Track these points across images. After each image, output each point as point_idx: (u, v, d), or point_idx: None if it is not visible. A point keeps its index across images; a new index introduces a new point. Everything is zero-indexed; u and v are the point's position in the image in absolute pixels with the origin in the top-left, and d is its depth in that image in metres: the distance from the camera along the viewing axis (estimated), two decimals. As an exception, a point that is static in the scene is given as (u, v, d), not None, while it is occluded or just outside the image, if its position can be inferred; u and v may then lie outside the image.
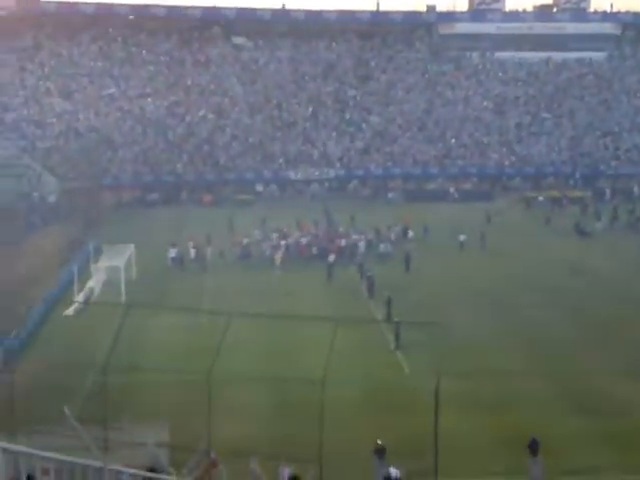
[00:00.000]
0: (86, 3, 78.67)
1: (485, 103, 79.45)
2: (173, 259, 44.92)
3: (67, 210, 52.35)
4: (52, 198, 58.84)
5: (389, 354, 31.01)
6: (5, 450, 7.84)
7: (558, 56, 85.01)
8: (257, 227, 51.28)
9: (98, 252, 41.92)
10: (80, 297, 37.71)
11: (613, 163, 73.05)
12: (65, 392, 25.81)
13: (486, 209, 58.13)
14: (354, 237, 48.78)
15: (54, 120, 69.28)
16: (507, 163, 72.91)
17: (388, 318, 34.12)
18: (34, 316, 33.95)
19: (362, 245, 47.84)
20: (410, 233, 51.04)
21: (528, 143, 75.14)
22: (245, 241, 47.41)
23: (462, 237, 49.37)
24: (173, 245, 45.56)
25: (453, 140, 74.46)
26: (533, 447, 21.07)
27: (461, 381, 27.07)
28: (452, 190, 67.38)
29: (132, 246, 41.81)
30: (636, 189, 67.89)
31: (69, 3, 78.31)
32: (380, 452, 20.78)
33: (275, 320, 30.81)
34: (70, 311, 36.09)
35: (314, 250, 46.66)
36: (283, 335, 31.85)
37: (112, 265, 39.29)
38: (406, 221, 51.78)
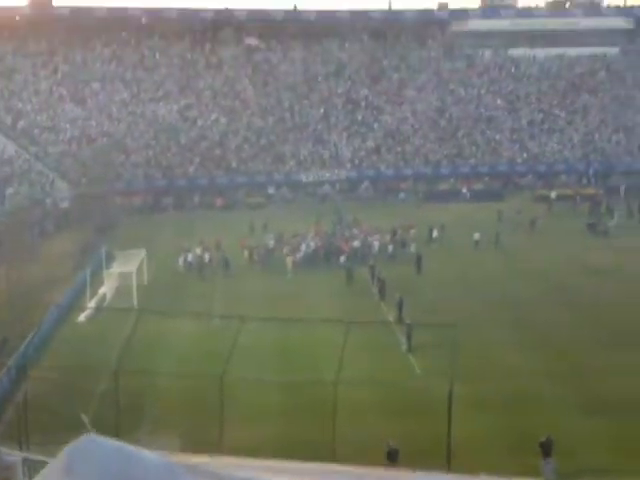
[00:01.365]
0: (99, 7, 79.29)
1: (498, 101, 79.32)
2: (187, 264, 45.16)
3: (80, 215, 52.72)
4: (65, 204, 59.23)
5: (401, 355, 31.11)
6: (25, 460, 8.02)
7: (571, 52, 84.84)
8: (267, 231, 51.53)
9: (110, 258, 42.20)
10: (92, 303, 38.01)
11: (627, 159, 72.74)
12: (79, 398, 26.09)
13: (500, 208, 58.11)
14: (367, 238, 48.89)
15: (67, 126, 69.79)
16: (519, 161, 72.78)
17: (399, 319, 34.24)
18: (47, 322, 34.25)
19: (376, 245, 47.92)
20: (435, 233, 50.96)
21: (540, 140, 74.96)
22: (256, 245, 47.70)
23: (477, 235, 49.39)
24: (186, 250, 45.82)
25: (465, 139, 74.41)
26: (546, 447, 21.20)
27: (473, 382, 27.11)
28: (464, 190, 67.33)
29: (144, 251, 42.06)
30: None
31: (82, 8, 78.83)
32: (393, 454, 20.95)
33: (287, 323, 30.99)
34: (83, 317, 36.37)
35: (324, 252, 46.73)
36: (295, 338, 32.03)
37: (124, 271, 39.53)
38: (409, 224, 51.61)
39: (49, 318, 34.66)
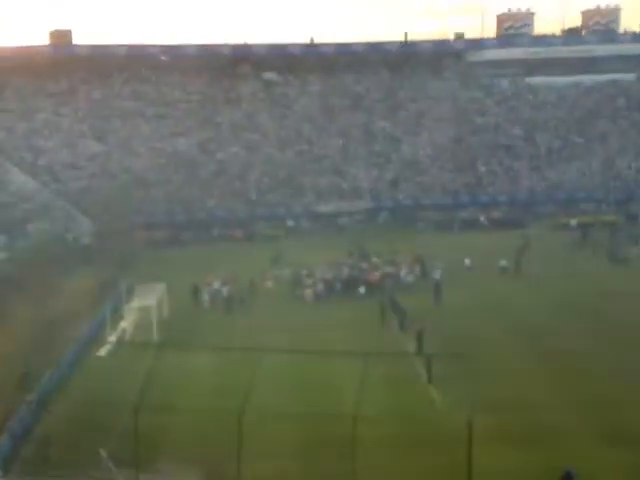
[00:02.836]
0: (118, 45, 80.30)
1: (516, 129, 79.39)
2: (210, 297, 45.17)
3: (101, 251, 53.08)
4: (86, 239, 59.68)
5: (421, 388, 30.90)
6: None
7: (588, 79, 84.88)
8: (285, 263, 51.61)
9: (131, 292, 42.40)
10: (113, 337, 38.15)
11: (647, 186, 72.39)
12: (99, 433, 26.14)
13: (521, 235, 57.93)
14: (386, 269, 48.77)
15: (87, 162, 70.57)
16: (538, 189, 72.60)
17: (419, 351, 34.04)
18: (68, 357, 34.42)
19: (403, 275, 47.70)
20: (467, 261, 50.95)
21: (559, 168, 74.79)
22: (274, 277, 47.87)
23: (503, 262, 49.70)
24: (208, 284, 45.89)
25: (483, 168, 74.43)
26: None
27: (495, 414, 26.88)
28: (482, 218, 67.21)
29: (164, 285, 42.23)
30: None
31: (101, 46, 79.97)
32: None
33: (306, 356, 30.90)
34: (103, 351, 36.52)
35: (344, 283, 46.68)
36: (314, 371, 31.87)
37: (144, 305, 39.69)
38: (413, 256, 51.42)
39: (70, 353, 34.83)
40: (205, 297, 45.27)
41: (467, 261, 51.17)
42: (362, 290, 45.91)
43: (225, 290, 45.15)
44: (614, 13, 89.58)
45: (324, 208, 69.01)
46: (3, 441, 25.63)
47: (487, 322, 39.56)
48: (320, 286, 46.25)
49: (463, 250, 53.31)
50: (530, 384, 30.96)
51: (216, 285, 45.88)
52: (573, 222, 64.52)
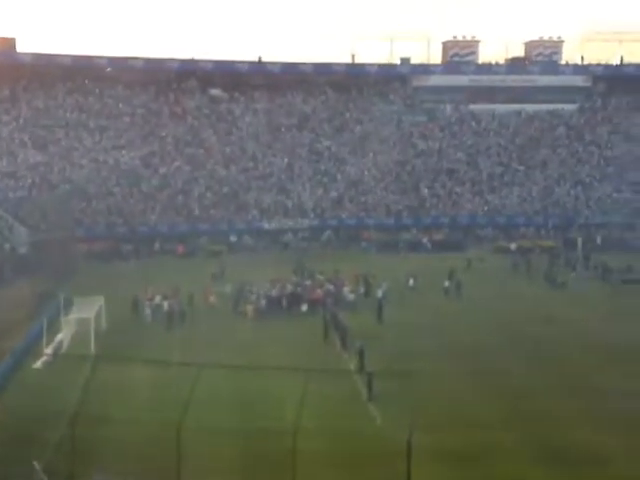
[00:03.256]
0: (63, 55, 79.25)
1: (458, 154, 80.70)
2: (151, 312, 44.56)
3: (38, 261, 52.08)
4: (23, 249, 58.58)
5: (361, 405, 30.95)
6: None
7: (530, 108, 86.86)
8: (226, 278, 51.39)
9: (69, 304, 41.66)
10: (49, 349, 37.40)
11: (585, 213, 74.16)
12: (33, 445, 25.56)
13: (465, 258, 58.79)
14: (328, 287, 48.90)
15: (28, 172, 69.39)
16: (480, 213, 73.83)
17: (361, 369, 34.10)
18: (2, 369, 33.58)
19: (345, 293, 47.93)
20: (411, 281, 51.58)
21: (500, 193, 76.30)
22: (216, 293, 47.59)
23: (446, 283, 50.50)
24: (150, 298, 45.28)
25: (426, 190, 75.40)
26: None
27: (434, 432, 27.05)
28: (425, 240, 68.00)
29: (102, 298, 41.56)
30: (598, 239, 67.78)
31: (46, 55, 78.88)
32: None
33: (246, 371, 30.76)
34: (39, 364, 35.73)
35: (286, 301, 46.67)
36: (254, 387, 31.72)
37: (82, 317, 39.03)
38: (354, 274, 51.80)
39: (4, 364, 33.99)
40: (147, 311, 44.66)
41: (411, 281, 51.70)
42: (304, 307, 45.94)
43: (166, 304, 44.62)
44: (557, 45, 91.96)
45: (268, 225, 69.00)
46: None
47: (427, 340, 39.90)
48: (262, 302, 46.11)
49: (406, 270, 53.85)
50: (467, 402, 31.27)
51: (157, 299, 45.33)
52: (513, 246, 65.75)
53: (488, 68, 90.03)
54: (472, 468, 25.36)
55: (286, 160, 76.76)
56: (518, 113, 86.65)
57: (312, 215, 71.04)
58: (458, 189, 76.15)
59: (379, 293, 47.58)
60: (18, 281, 49.57)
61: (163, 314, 43.97)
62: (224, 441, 26.24)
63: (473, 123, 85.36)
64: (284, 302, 46.52)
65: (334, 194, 73.80)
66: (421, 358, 36.48)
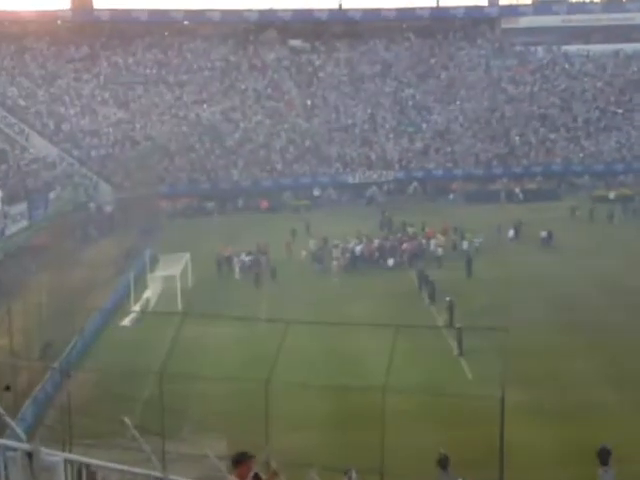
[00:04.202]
0: (139, 9, 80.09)
1: (551, 99, 78.46)
2: (243, 267, 45.14)
3: (123, 219, 53.38)
4: (108, 208, 60.05)
5: (452, 361, 30.86)
6: (67, 460, 8.10)
7: (628, 47, 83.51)
8: (311, 234, 51.73)
9: (154, 261, 42.62)
10: (137, 307, 38.41)
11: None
12: (123, 401, 26.34)
13: (561, 207, 57.87)
14: (419, 240, 48.74)
15: (110, 129, 70.78)
16: (575, 160, 71.86)
17: (450, 324, 33.99)
18: (91, 326, 34.71)
19: (436, 248, 47.58)
20: (511, 232, 51.26)
21: (597, 139, 73.96)
22: (301, 248, 47.91)
23: (543, 234, 49.88)
24: (236, 254, 45.79)
25: (517, 138, 73.74)
26: (603, 456, 20.75)
27: (528, 389, 26.77)
28: (517, 190, 66.69)
29: (188, 255, 42.41)
30: None
31: (123, 10, 79.85)
32: (443, 462, 20.72)
33: (333, 327, 30.90)
34: (127, 321, 36.80)
35: (373, 255, 46.69)
36: (342, 343, 31.96)
37: (168, 274, 39.90)
38: (444, 227, 51.38)
39: (93, 322, 35.13)
40: (236, 268, 45.19)
41: (511, 232, 50.98)
42: (391, 262, 45.86)
43: (252, 260, 45.04)
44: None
45: (351, 178, 68.82)
46: (26, 409, 25.95)
47: (520, 294, 39.35)
48: (347, 257, 46.20)
49: (499, 221, 53.11)
50: (563, 358, 30.77)
51: (244, 256, 45.80)
52: (612, 195, 63.81)
53: (582, 6, 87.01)
54: (569, 426, 25.02)
55: (369, 110, 76.06)
56: (615, 53, 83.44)
57: (397, 167, 70.40)
58: (551, 136, 74.14)
59: (465, 245, 47.49)
60: (104, 239, 50.87)
61: (253, 270, 44.29)
62: (312, 397, 26.55)
63: (567, 65, 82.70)
64: (371, 257, 46.51)
65: (419, 144, 72.91)
66: (513, 313, 35.98)
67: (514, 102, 77.95)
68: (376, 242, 48.27)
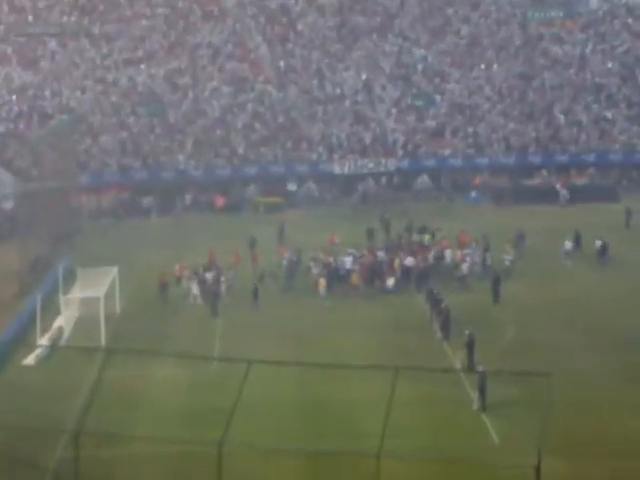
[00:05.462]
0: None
1: (609, 64, 79.22)
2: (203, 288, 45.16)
3: (29, 219, 53.14)
4: (9, 203, 59.80)
5: (471, 416, 30.92)
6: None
7: None
8: (286, 242, 51.81)
9: (70, 277, 42.43)
10: (45, 340, 38.18)
11: None
12: (26, 468, 26.17)
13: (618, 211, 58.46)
14: (430, 253, 49.00)
15: (12, 97, 70.61)
16: (640, 147, 72.75)
17: (470, 366, 34.10)
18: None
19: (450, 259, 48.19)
20: (568, 245, 51.57)
21: (670, 119, 74.89)
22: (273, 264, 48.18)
23: (598, 243, 50.40)
24: (196, 272, 45.84)
25: (562, 116, 74.29)
26: None
27: (572, 457, 26.88)
28: (559, 186, 67.09)
29: (116, 269, 42.25)
30: None
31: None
32: None
33: (313, 369, 30.83)
34: (31, 358, 36.55)
35: (369, 273, 46.85)
36: (324, 390, 31.96)
37: (89, 296, 39.72)
38: (461, 238, 51.69)
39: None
40: (193, 290, 44.92)
41: (568, 245, 51.29)
42: (390, 282, 45.91)
43: (213, 278, 45.08)
44: None
45: (339, 168, 69.00)
46: None
47: (564, 327, 39.57)
48: (332, 275, 46.25)
49: (535, 230, 53.71)
50: (623, 416, 30.89)
51: (202, 272, 45.68)
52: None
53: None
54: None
55: (364, 76, 76.46)
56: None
57: (401, 153, 70.76)
58: (608, 114, 74.83)
59: (488, 260, 48.01)
60: (2, 246, 50.62)
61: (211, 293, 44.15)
62: (282, 466, 26.45)
63: (630, 20, 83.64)
64: (362, 275, 46.58)
65: (431, 123, 73.37)
66: (553, 352, 36.15)
67: (558, 67, 78.63)
68: (369, 255, 48.39)
